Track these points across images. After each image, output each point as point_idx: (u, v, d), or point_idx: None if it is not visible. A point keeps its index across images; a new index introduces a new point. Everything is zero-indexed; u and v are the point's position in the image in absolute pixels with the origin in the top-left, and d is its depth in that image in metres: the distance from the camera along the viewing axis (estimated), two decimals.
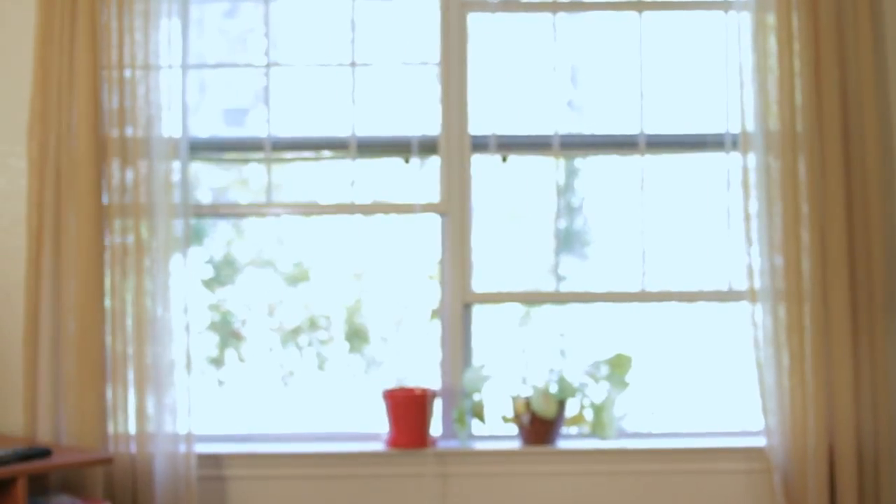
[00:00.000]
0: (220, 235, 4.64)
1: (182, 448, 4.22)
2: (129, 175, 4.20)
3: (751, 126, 4.21)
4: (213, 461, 4.35)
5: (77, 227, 4.18)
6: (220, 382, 4.61)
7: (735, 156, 4.37)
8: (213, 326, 4.64)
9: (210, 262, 4.63)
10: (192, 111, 4.34)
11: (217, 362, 4.64)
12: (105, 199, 4.21)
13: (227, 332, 4.66)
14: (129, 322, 4.20)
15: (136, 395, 4.18)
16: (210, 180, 4.52)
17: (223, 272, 4.66)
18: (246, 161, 4.55)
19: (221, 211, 4.48)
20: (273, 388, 4.63)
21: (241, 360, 4.67)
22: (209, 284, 4.63)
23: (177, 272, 4.22)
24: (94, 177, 4.18)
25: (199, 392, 4.26)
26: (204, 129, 4.51)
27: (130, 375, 4.20)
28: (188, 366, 4.22)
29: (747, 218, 4.21)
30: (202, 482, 4.32)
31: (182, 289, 4.24)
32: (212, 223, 4.58)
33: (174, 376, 4.20)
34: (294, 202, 4.53)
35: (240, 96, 4.53)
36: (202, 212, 4.45)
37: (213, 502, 4.34)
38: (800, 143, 4.18)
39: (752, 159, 4.21)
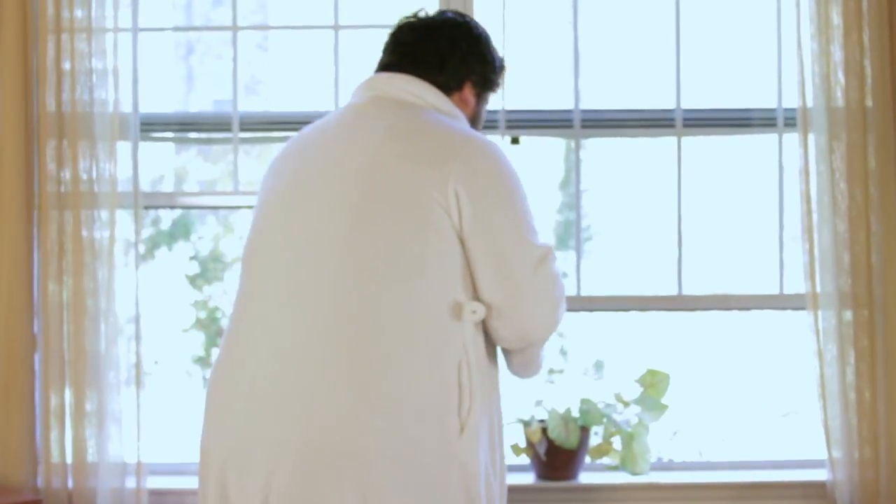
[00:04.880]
0: (207, 230, 4.67)
1: (131, 482, 3.74)
2: (67, 157, 3.74)
3: (811, 102, 3.81)
4: (169, 499, 3.84)
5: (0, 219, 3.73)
6: (206, 381, 4.36)
7: (790, 136, 3.97)
8: (199, 324, 4.67)
9: (195, 258, 4.65)
10: (145, 82, 3.90)
11: (203, 362, 4.66)
12: (36, 186, 3.76)
13: (214, 331, 4.74)
14: (66, 330, 3.74)
15: (73, 416, 3.72)
16: (199, 173, 4.40)
17: (210, 268, 4.72)
18: (209, 141, 4.17)
19: (178, 201, 4.05)
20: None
21: None
22: (195, 281, 4.65)
23: (126, 271, 3.78)
24: (23, 159, 3.73)
25: (151, 412, 3.85)
26: (160, 103, 4.14)
27: (67, 395, 3.73)
28: (138, 381, 3.75)
29: (808, 208, 3.79)
30: None
31: (133, 291, 3.79)
32: (199, 217, 4.49)
33: (121, 394, 3.75)
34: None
35: (203, 65, 4.34)
36: (156, 201, 4.01)
37: None
38: (869, 120, 3.78)
39: (811, 140, 3.82)
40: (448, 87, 2.72)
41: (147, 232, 4.95)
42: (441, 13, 2.80)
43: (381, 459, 2.40)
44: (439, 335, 2.47)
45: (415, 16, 2.78)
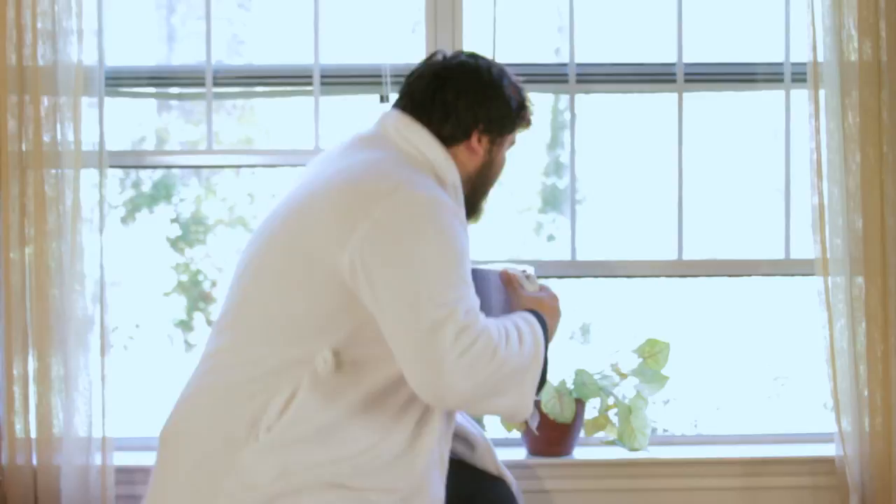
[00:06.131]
0: (189, 192, 4.65)
1: (96, 459, 3.60)
2: (29, 113, 3.59)
3: (822, 56, 3.73)
4: (137, 475, 3.68)
5: None
6: (189, 345, 4.66)
7: (798, 93, 3.89)
8: (181, 287, 4.67)
9: (177, 220, 4.63)
10: (111, 33, 3.74)
11: (185, 325, 4.69)
12: None
13: (196, 294, 4.74)
14: (28, 298, 3.59)
15: (36, 389, 3.59)
16: (181, 135, 4.31)
17: (191, 231, 4.72)
18: (181, 96, 4.03)
19: (147, 160, 3.91)
20: None
21: (210, 323, 4.63)
22: (176, 244, 4.66)
23: (90, 235, 3.63)
24: None
25: (126, 379, 3.84)
26: (127, 55, 3.95)
27: (31, 365, 3.59)
28: (103, 349, 3.61)
29: (818, 169, 3.70)
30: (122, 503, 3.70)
31: (98, 256, 3.65)
32: (181, 179, 4.47)
33: (88, 363, 3.61)
34: (241, 149, 4.09)
35: (185, 26, 4.14)
36: (124, 160, 3.86)
37: None
38: (884, 76, 3.69)
39: (822, 96, 3.73)
40: (454, 137, 2.81)
41: (128, 194, 4.96)
42: (456, 55, 2.88)
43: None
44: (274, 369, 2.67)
45: (431, 59, 2.88)
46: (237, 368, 2.68)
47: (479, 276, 2.88)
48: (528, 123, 2.94)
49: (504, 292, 2.88)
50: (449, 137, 2.80)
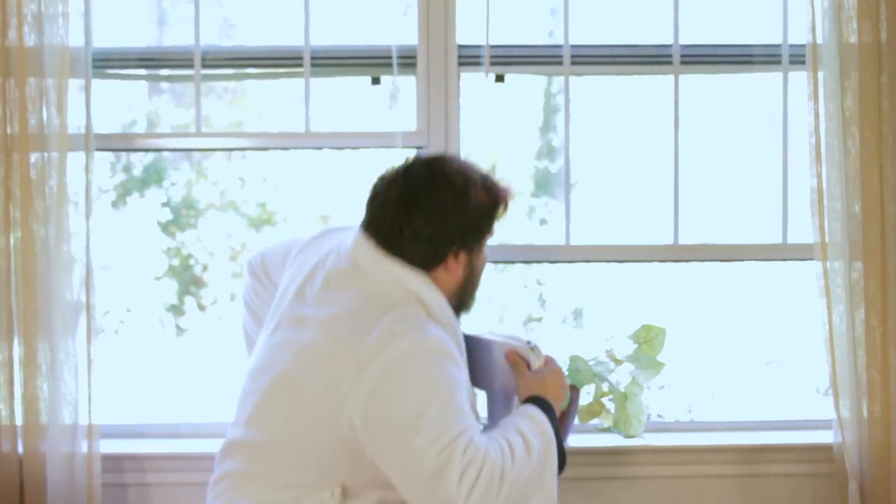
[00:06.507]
0: (180, 176, 4.71)
1: (82, 446, 3.54)
2: (14, 96, 3.51)
3: (821, 37, 3.68)
4: (125, 463, 3.66)
5: None
6: (180, 329, 4.73)
7: (796, 75, 3.85)
8: (172, 272, 4.73)
9: (168, 204, 4.68)
10: (101, 14, 3.70)
11: (176, 310, 4.73)
12: None
13: (187, 278, 4.83)
14: (14, 283, 3.53)
15: (22, 375, 3.53)
16: (171, 118, 4.36)
17: (182, 215, 4.77)
18: (170, 78, 4.00)
19: (135, 143, 3.83)
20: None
21: (201, 307, 4.83)
22: (167, 228, 4.71)
23: (77, 219, 3.57)
24: None
25: (116, 364, 3.85)
26: (116, 37, 3.88)
27: (17, 351, 3.54)
28: (89, 335, 3.54)
29: (816, 153, 3.65)
30: (109, 491, 3.64)
31: (85, 241, 3.58)
32: (172, 163, 4.46)
33: (75, 351, 3.55)
34: (230, 132, 4.10)
35: (176, 9, 4.06)
36: (111, 144, 3.78)
37: None
38: (884, 58, 3.64)
39: (820, 78, 3.69)
40: (430, 263, 2.78)
41: (119, 178, 4.95)
42: (416, 165, 2.82)
43: None
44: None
45: (390, 176, 2.81)
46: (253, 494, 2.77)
47: (482, 347, 2.93)
48: (506, 210, 2.89)
49: (506, 364, 2.90)
50: (426, 263, 2.78)
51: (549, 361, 2.91)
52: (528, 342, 2.92)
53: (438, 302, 2.78)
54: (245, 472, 2.78)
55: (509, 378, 2.89)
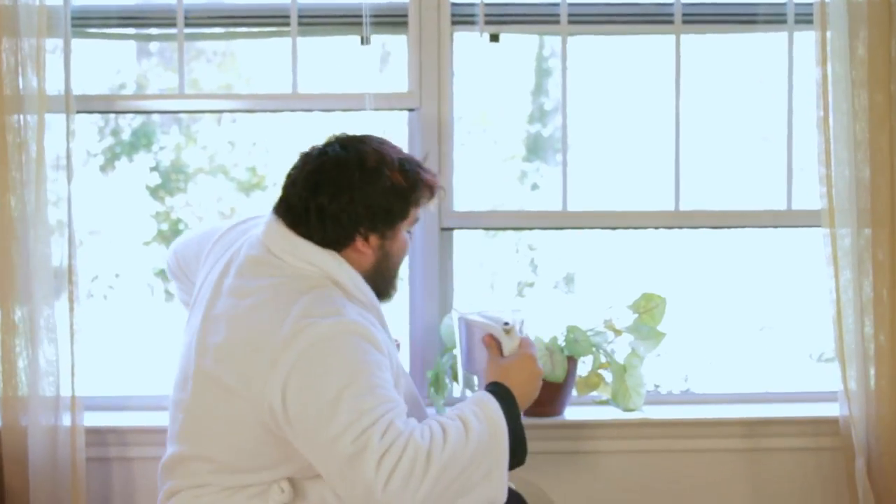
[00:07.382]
0: (168, 140, 4.71)
1: (65, 419, 3.48)
2: None
3: None
4: (109, 437, 3.61)
5: None
6: (169, 295, 4.70)
7: (802, 34, 3.79)
8: (161, 236, 4.72)
9: (156, 168, 4.69)
10: None
11: (165, 275, 4.76)
12: None
13: None
14: None
15: (0, 345, 3.46)
16: (160, 82, 4.27)
17: (171, 179, 4.78)
18: (149, 38, 3.91)
19: (117, 105, 3.75)
20: None
21: None
22: (156, 192, 4.72)
23: (59, 184, 3.50)
24: None
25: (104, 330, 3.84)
26: None
27: None
28: (72, 304, 3.47)
29: (824, 115, 3.58)
30: (93, 466, 3.60)
31: (67, 206, 3.51)
32: (161, 126, 4.51)
33: (56, 320, 3.48)
34: (215, 94, 3.96)
35: None
36: (92, 105, 3.70)
37: (109, 493, 3.62)
38: (895, 16, 3.58)
39: (828, 38, 3.62)
40: (338, 243, 2.77)
41: (107, 142, 4.95)
42: (333, 145, 2.80)
43: None
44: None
45: (308, 155, 2.80)
46: (196, 485, 2.77)
47: (469, 328, 2.92)
48: (429, 196, 2.84)
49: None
50: (333, 243, 2.77)
51: (524, 345, 2.85)
52: (506, 323, 2.88)
53: (354, 281, 2.76)
54: (191, 488, 2.78)
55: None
